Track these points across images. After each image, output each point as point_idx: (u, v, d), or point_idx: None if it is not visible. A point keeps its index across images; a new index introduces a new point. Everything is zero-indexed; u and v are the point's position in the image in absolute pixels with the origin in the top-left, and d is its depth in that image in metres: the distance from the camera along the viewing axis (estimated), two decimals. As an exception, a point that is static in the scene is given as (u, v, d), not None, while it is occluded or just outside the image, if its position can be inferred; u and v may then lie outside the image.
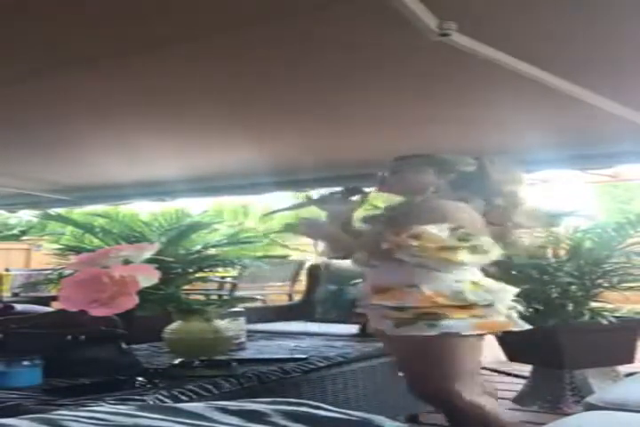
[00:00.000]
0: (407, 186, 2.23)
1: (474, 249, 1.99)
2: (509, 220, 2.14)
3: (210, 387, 2.00)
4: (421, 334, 1.95)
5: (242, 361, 2.37)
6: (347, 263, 4.51)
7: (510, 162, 2.27)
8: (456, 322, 1.95)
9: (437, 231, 1.95)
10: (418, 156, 2.25)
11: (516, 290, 2.09)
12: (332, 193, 2.38)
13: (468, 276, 2.02)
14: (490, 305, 1.99)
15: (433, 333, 1.94)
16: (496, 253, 2.05)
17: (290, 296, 6.47)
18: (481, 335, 2.04)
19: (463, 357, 2.03)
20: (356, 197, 2.35)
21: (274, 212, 2.61)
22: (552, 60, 2.14)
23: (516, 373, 3.87)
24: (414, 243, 1.92)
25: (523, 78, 2.17)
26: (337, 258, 2.53)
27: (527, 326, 2.04)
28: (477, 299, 1.98)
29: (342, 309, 4.08)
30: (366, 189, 2.39)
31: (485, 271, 2.13)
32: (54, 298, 4.60)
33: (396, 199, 2.33)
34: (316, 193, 2.48)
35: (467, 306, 1.97)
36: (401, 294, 2.00)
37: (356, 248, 2.20)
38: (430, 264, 1.97)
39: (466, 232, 1.98)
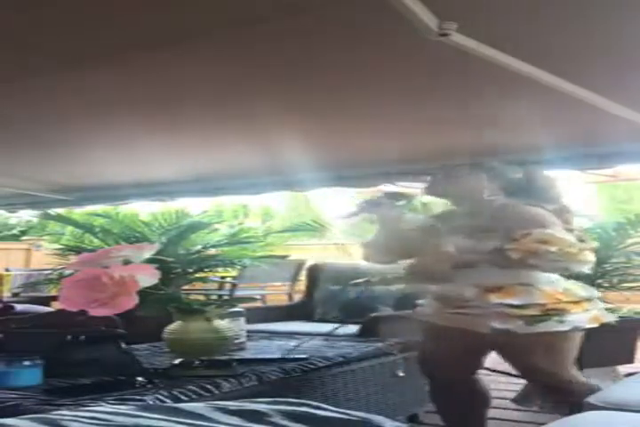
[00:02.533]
0: (461, 190, 2.31)
1: (592, 248, 2.15)
2: (570, 224, 2.23)
3: (210, 387, 2.00)
4: (554, 330, 2.07)
5: (242, 361, 2.37)
6: (346, 263, 4.52)
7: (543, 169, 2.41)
8: (577, 317, 2.10)
9: (564, 235, 2.06)
10: (466, 162, 2.35)
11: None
12: (378, 198, 2.43)
13: (559, 276, 2.18)
14: (592, 299, 2.18)
15: (565, 328, 2.08)
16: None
17: (290, 296, 6.47)
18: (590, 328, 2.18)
19: (577, 347, 2.23)
20: (401, 202, 2.41)
21: (335, 220, 2.68)
22: (552, 60, 2.14)
23: (516, 373, 3.86)
24: (552, 248, 2.02)
25: (523, 78, 2.17)
26: (384, 263, 2.54)
27: (614, 318, 2.29)
28: (587, 294, 2.15)
29: (342, 309, 4.08)
30: (410, 195, 2.48)
31: None
32: (54, 298, 4.60)
33: (448, 205, 2.42)
34: (362, 199, 2.50)
35: (578, 302, 2.13)
36: (519, 292, 2.09)
37: (414, 253, 2.27)
38: (565, 266, 2.09)
39: (580, 234, 2.14)
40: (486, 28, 1.90)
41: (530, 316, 2.07)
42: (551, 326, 2.08)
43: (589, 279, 3.30)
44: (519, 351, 2.24)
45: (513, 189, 2.27)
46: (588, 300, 2.19)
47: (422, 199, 2.58)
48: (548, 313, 2.07)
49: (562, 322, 2.08)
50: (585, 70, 2.26)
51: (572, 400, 2.10)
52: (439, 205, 2.50)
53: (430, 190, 2.41)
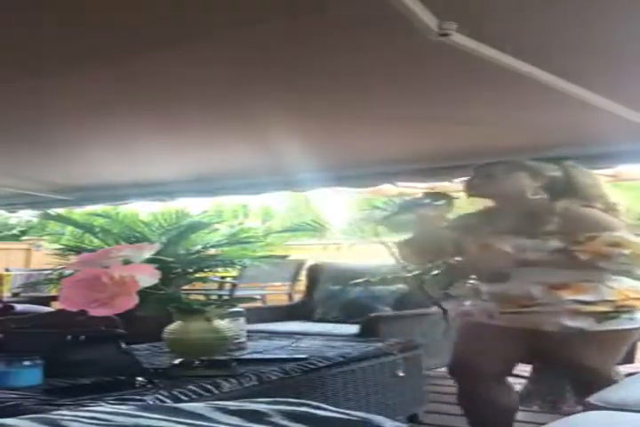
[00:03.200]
0: (503, 189, 2.29)
1: None
2: (622, 221, 2.22)
3: (210, 387, 2.00)
4: (625, 328, 2.08)
5: (242, 361, 2.37)
6: (346, 263, 4.52)
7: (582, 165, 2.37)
8: None
9: (634, 238, 2.07)
10: (506, 161, 2.32)
11: None
12: (418, 198, 2.45)
13: None
14: None
15: (636, 325, 2.09)
16: None
17: (290, 296, 6.47)
18: None
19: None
20: (441, 202, 2.40)
21: (386, 218, 2.65)
22: (552, 59, 2.14)
23: (516, 373, 3.86)
24: (625, 251, 2.02)
25: (523, 78, 2.17)
26: (421, 263, 2.55)
27: None
28: None
29: (342, 309, 4.08)
30: (451, 195, 2.46)
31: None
32: (54, 298, 4.60)
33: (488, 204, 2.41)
34: (399, 199, 2.55)
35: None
36: (587, 288, 2.08)
37: (458, 252, 2.28)
38: (629, 269, 2.10)
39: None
40: (486, 28, 1.89)
41: (601, 313, 2.07)
42: (621, 323, 2.08)
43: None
44: (578, 349, 2.18)
45: (554, 188, 2.26)
46: None
47: (462, 199, 2.56)
48: (618, 310, 2.08)
49: (632, 319, 2.09)
50: (585, 70, 2.26)
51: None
52: (477, 204, 2.48)
53: (472, 190, 2.40)
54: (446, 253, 2.34)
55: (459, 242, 2.29)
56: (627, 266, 2.08)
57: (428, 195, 2.47)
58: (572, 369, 2.32)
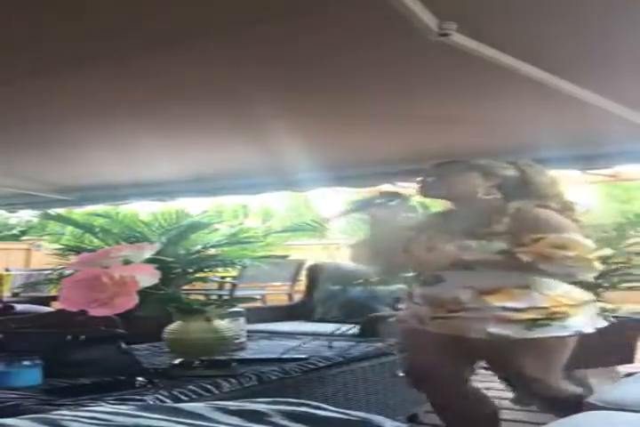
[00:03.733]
0: (452, 190, 2.24)
1: (600, 256, 2.12)
2: (577, 221, 2.16)
3: (210, 387, 2.00)
4: (554, 335, 2.00)
5: (242, 361, 2.37)
6: (346, 263, 4.51)
7: (539, 164, 2.31)
8: (579, 321, 2.04)
9: (582, 240, 2.00)
10: (457, 161, 2.27)
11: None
12: (371, 198, 2.39)
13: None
14: (590, 303, 2.11)
15: (566, 333, 2.01)
16: None
17: (290, 296, 6.47)
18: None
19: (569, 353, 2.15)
20: (395, 202, 2.34)
21: (328, 219, 2.65)
22: (552, 59, 2.14)
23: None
24: (570, 254, 1.95)
25: (523, 78, 2.17)
26: (371, 264, 2.45)
27: (605, 323, 2.19)
28: (588, 298, 2.09)
29: (342, 309, 4.08)
30: (406, 194, 2.41)
31: None
32: (54, 298, 4.60)
33: (443, 205, 2.38)
34: (353, 199, 2.49)
35: (578, 305, 2.06)
36: (517, 294, 2.01)
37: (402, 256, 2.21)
38: (574, 272, 2.02)
39: (591, 241, 2.05)
40: (486, 28, 1.89)
41: (531, 320, 1.99)
42: (552, 330, 2.00)
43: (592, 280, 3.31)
44: (510, 357, 2.10)
45: (508, 187, 2.20)
46: (587, 303, 2.12)
47: (418, 199, 2.52)
48: (549, 317, 2.00)
49: (564, 327, 2.02)
50: (585, 70, 2.26)
51: (559, 406, 2.07)
52: (439, 205, 2.46)
53: (423, 190, 2.33)
54: (395, 254, 2.24)
55: (409, 243, 2.22)
56: (569, 269, 1.99)
57: (382, 194, 2.40)
58: (512, 377, 2.28)
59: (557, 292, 2.05)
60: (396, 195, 2.38)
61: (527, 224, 2.04)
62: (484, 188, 2.18)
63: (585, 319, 2.08)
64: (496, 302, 2.01)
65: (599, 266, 2.07)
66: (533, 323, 1.99)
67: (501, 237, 2.04)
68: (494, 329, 2.00)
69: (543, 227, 2.02)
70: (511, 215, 2.09)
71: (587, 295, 2.15)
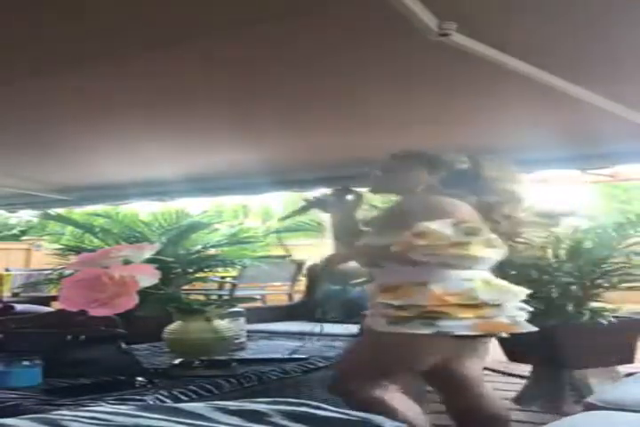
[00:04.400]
0: (398, 184, 2.18)
1: (488, 243, 1.93)
2: (505, 217, 2.06)
3: (210, 387, 2.00)
4: (412, 332, 1.86)
5: (242, 361, 2.37)
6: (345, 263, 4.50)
7: (506, 161, 2.20)
8: (457, 322, 1.86)
9: (440, 228, 1.87)
10: (409, 154, 2.20)
11: (526, 291, 2.03)
12: (326, 195, 2.32)
13: (478, 275, 1.95)
14: (498, 306, 1.92)
15: (427, 331, 1.85)
16: (504, 249, 2.01)
17: (290, 296, 6.47)
18: (482, 336, 1.97)
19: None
20: (350, 197, 2.29)
21: (284, 218, 2.59)
22: (552, 60, 2.14)
23: (516, 373, 3.87)
24: (422, 242, 1.86)
25: (523, 78, 2.17)
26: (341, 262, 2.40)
27: (532, 328, 1.96)
28: (489, 298, 1.90)
29: (342, 309, 4.08)
30: (359, 189, 2.32)
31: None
32: (54, 298, 4.60)
33: (392, 198, 2.30)
34: (311, 195, 2.38)
35: (475, 306, 1.89)
36: (410, 292, 1.92)
37: (359, 251, 2.13)
38: (447, 262, 1.90)
39: (472, 226, 1.91)
40: (486, 28, 1.90)
41: (398, 316, 1.89)
42: (411, 327, 1.86)
43: (589, 279, 3.31)
44: (381, 352, 1.99)
45: (457, 181, 2.09)
46: (494, 306, 1.91)
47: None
48: (423, 315, 1.86)
49: (428, 325, 1.85)
50: (585, 70, 2.26)
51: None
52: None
53: (371, 186, 2.27)
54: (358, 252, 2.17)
55: (365, 240, 2.14)
56: (433, 257, 1.87)
57: (337, 191, 2.31)
58: None
59: (451, 289, 1.88)
60: (349, 190, 2.31)
61: (413, 216, 1.94)
62: (427, 182, 2.11)
63: (471, 321, 1.87)
64: (382, 299, 1.96)
65: (471, 253, 1.89)
66: (396, 319, 1.89)
67: (396, 230, 1.95)
68: (368, 322, 2.01)
69: (425, 217, 1.92)
70: (409, 207, 2.03)
71: (493, 297, 1.91)
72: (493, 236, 1.96)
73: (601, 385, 3.17)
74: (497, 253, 1.98)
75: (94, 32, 1.93)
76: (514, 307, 1.95)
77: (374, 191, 2.32)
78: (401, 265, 1.96)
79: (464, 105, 2.72)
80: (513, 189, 2.10)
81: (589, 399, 1.77)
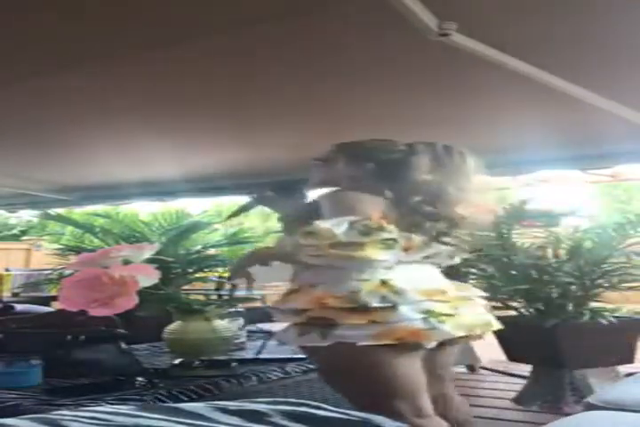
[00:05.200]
0: (329, 176, 2.03)
1: (387, 244, 1.67)
2: (428, 214, 1.82)
3: (210, 387, 2.00)
4: (315, 345, 1.67)
5: (242, 361, 2.37)
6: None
7: (459, 152, 1.99)
8: (351, 329, 1.64)
9: (329, 227, 1.66)
10: (341, 145, 2.08)
11: (478, 293, 1.87)
12: (268, 191, 2.16)
13: (379, 275, 1.71)
14: (392, 309, 1.65)
15: (326, 343, 1.65)
16: (430, 249, 1.80)
17: (290, 296, 6.46)
18: (395, 345, 1.64)
19: (388, 371, 1.68)
20: (297, 193, 2.15)
21: (230, 216, 2.37)
22: (552, 60, 2.14)
23: (516, 373, 3.87)
24: (307, 242, 1.67)
25: (523, 78, 2.17)
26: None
27: (449, 335, 1.67)
28: (371, 300, 1.65)
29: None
30: (299, 184, 2.17)
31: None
32: (54, 298, 4.60)
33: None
34: (252, 194, 2.20)
35: (364, 310, 1.65)
36: (298, 295, 1.77)
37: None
38: (334, 264, 1.70)
39: (369, 225, 1.66)
40: (486, 28, 1.90)
41: (301, 324, 1.72)
42: (312, 339, 1.67)
43: (589, 279, 3.31)
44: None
45: (388, 173, 1.91)
46: (385, 309, 1.66)
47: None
48: (312, 322, 1.69)
49: (325, 334, 1.65)
50: (585, 70, 2.26)
51: None
52: None
53: (310, 180, 2.11)
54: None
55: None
56: (319, 259, 1.68)
57: (275, 186, 2.19)
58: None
59: (331, 292, 1.69)
60: (293, 185, 2.19)
61: (318, 213, 1.78)
62: (349, 173, 1.96)
63: (369, 329, 1.64)
64: (276, 303, 1.85)
65: (360, 257, 1.65)
66: (300, 328, 1.71)
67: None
68: (278, 335, 1.86)
69: (327, 214, 1.75)
70: (325, 204, 1.85)
71: (379, 299, 1.67)
72: (396, 235, 1.70)
73: (601, 385, 3.18)
74: (395, 255, 1.71)
75: (94, 32, 1.93)
76: (414, 310, 1.67)
77: (311, 186, 2.13)
78: (304, 267, 1.79)
79: (464, 105, 2.72)
80: (438, 181, 1.87)
81: (589, 399, 1.77)
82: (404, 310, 1.66)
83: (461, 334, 1.70)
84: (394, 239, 1.69)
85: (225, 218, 2.66)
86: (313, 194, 2.15)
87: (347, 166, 2.00)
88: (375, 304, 1.65)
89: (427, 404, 1.72)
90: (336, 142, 2.10)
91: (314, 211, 1.87)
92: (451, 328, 1.67)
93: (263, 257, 1.92)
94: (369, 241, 1.66)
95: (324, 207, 1.81)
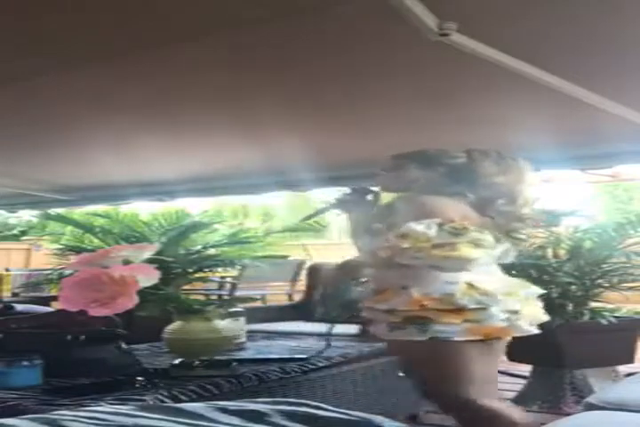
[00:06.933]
0: (397, 184, 2.17)
1: (476, 243, 1.85)
2: (500, 213, 2.02)
3: (210, 387, 2.00)
4: (412, 339, 1.86)
5: (242, 361, 2.37)
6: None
7: (509, 155, 2.13)
8: (447, 327, 1.84)
9: (424, 229, 1.82)
10: (407, 153, 2.17)
11: (536, 291, 2.03)
12: (345, 195, 2.27)
13: (464, 277, 1.88)
14: (483, 309, 1.86)
15: (422, 338, 1.84)
16: (501, 247, 1.97)
17: (290, 296, 6.47)
18: (480, 341, 1.89)
19: (465, 362, 1.90)
20: (369, 197, 2.25)
21: (305, 219, 2.61)
22: (552, 60, 2.14)
23: (516, 373, 3.87)
24: (405, 244, 1.82)
25: (523, 78, 2.17)
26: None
27: (532, 331, 1.94)
28: (467, 303, 1.84)
29: (342, 309, 4.08)
30: (376, 189, 2.28)
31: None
32: (54, 298, 4.60)
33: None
34: (331, 197, 2.33)
35: (458, 310, 1.85)
36: (393, 296, 1.91)
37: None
38: (433, 264, 1.85)
39: (456, 226, 1.84)
40: (486, 28, 1.90)
41: (393, 322, 1.90)
42: (408, 333, 1.86)
43: (589, 279, 3.31)
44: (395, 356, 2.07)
45: (456, 178, 2.06)
46: (478, 309, 1.86)
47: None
48: (409, 320, 1.86)
49: (422, 331, 1.84)
50: (585, 70, 2.26)
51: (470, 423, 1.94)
52: None
53: (379, 186, 2.25)
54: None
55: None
56: (419, 260, 1.83)
57: (355, 190, 2.28)
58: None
59: (429, 295, 1.86)
60: (367, 190, 2.28)
61: (407, 216, 1.91)
62: (420, 180, 2.08)
63: (461, 326, 1.85)
64: (374, 303, 1.97)
65: (458, 257, 1.83)
66: (394, 325, 1.90)
67: (383, 233, 1.94)
68: (371, 329, 2.03)
69: (412, 217, 1.88)
70: (405, 208, 1.99)
71: (473, 301, 1.86)
72: (483, 236, 1.88)
73: (601, 385, 3.18)
74: (489, 253, 1.91)
75: (94, 32, 1.93)
76: (501, 310, 1.88)
77: (383, 190, 2.28)
78: (390, 269, 1.93)
79: (464, 105, 2.72)
80: (509, 183, 2.05)
81: (589, 399, 1.77)
82: (493, 310, 1.87)
83: (534, 330, 1.96)
84: (483, 240, 1.87)
85: (301, 220, 2.85)
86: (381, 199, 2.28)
87: (418, 173, 2.11)
88: (472, 306, 1.85)
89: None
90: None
91: (385, 215, 2.06)
92: (527, 325, 1.93)
93: (357, 268, 2.14)
94: (460, 241, 1.83)
95: (402, 211, 1.97)
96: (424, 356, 1.92)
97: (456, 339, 1.85)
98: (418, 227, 1.83)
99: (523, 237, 2.11)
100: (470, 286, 1.88)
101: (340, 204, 2.28)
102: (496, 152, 2.11)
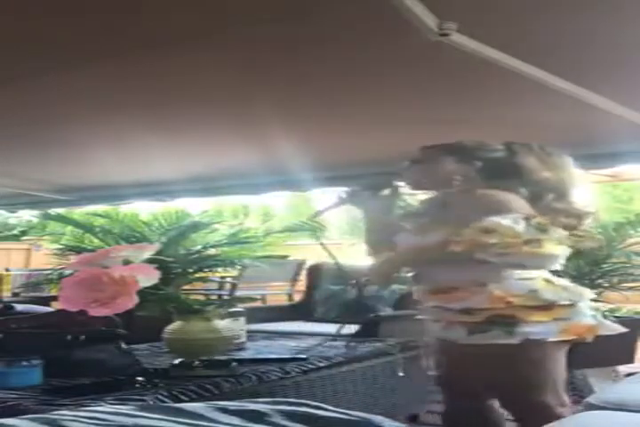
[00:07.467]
0: (431, 177, 2.02)
1: (559, 240, 1.77)
2: (550, 209, 1.88)
3: (210, 387, 2.00)
4: (499, 342, 1.71)
5: (242, 361, 2.37)
6: (346, 263, 4.52)
7: (547, 148, 2.03)
8: (537, 327, 1.72)
9: (511, 223, 1.71)
10: (438, 145, 2.07)
11: (589, 292, 1.89)
12: (356, 190, 2.13)
13: (537, 273, 1.78)
14: (572, 306, 1.76)
15: (512, 341, 1.71)
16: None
17: (290, 296, 6.47)
18: (567, 341, 1.80)
19: (552, 365, 1.81)
20: (386, 192, 2.12)
21: (316, 214, 2.47)
22: (552, 60, 2.14)
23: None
24: (493, 240, 1.70)
25: (523, 78, 2.17)
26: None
27: (622, 329, 1.85)
28: (556, 298, 1.74)
29: (342, 309, 4.08)
30: (396, 183, 2.15)
31: None
32: (54, 298, 4.60)
33: (427, 192, 2.13)
34: (344, 191, 2.16)
35: (545, 307, 1.74)
36: (468, 294, 1.78)
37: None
38: (520, 262, 1.75)
39: (541, 222, 1.74)
40: (486, 28, 1.90)
41: (473, 323, 1.76)
42: (494, 336, 1.72)
43: (589, 279, 3.31)
44: (463, 364, 1.87)
45: (495, 172, 1.94)
46: (567, 306, 1.78)
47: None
48: (493, 321, 1.73)
49: (510, 333, 1.71)
50: (585, 70, 2.26)
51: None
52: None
53: (405, 180, 2.10)
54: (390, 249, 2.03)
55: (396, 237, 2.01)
56: (505, 257, 1.72)
57: (369, 184, 2.14)
58: (475, 386, 1.93)
59: (515, 291, 1.75)
60: (381, 184, 2.14)
61: (470, 209, 1.81)
62: (459, 173, 1.96)
63: (553, 325, 1.75)
64: (437, 302, 1.85)
65: (544, 252, 1.75)
66: (476, 327, 1.75)
67: (445, 227, 1.82)
68: (441, 332, 1.87)
69: (484, 211, 1.77)
70: (459, 201, 1.89)
71: (560, 296, 1.78)
72: (564, 232, 1.80)
73: (601, 385, 3.17)
74: (565, 251, 1.82)
75: (94, 32, 1.93)
76: (587, 307, 1.80)
77: (410, 186, 2.13)
78: (457, 265, 1.79)
79: (463, 105, 2.72)
80: (555, 177, 1.93)
81: (589, 399, 1.76)
82: (581, 306, 1.78)
83: (621, 328, 1.87)
84: (561, 236, 1.78)
85: (309, 217, 2.76)
86: (413, 193, 2.20)
87: (454, 166, 1.99)
88: (562, 302, 1.74)
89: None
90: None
91: (428, 210, 1.96)
92: (612, 323, 1.85)
93: (399, 263, 1.97)
94: (545, 238, 1.73)
95: (461, 205, 1.85)
96: (507, 360, 1.76)
97: (551, 340, 1.73)
98: (504, 221, 1.71)
99: (581, 233, 1.94)
100: (548, 281, 1.79)
101: (353, 199, 2.13)
102: (539, 146, 2.00)
